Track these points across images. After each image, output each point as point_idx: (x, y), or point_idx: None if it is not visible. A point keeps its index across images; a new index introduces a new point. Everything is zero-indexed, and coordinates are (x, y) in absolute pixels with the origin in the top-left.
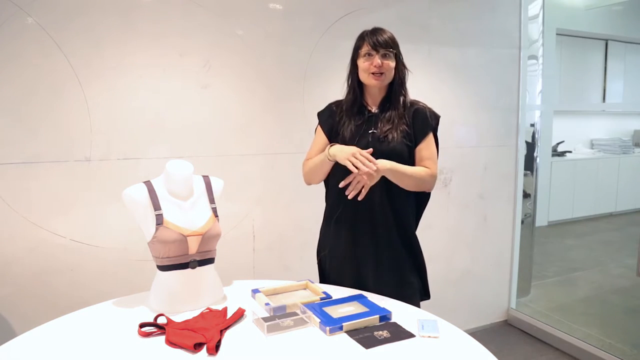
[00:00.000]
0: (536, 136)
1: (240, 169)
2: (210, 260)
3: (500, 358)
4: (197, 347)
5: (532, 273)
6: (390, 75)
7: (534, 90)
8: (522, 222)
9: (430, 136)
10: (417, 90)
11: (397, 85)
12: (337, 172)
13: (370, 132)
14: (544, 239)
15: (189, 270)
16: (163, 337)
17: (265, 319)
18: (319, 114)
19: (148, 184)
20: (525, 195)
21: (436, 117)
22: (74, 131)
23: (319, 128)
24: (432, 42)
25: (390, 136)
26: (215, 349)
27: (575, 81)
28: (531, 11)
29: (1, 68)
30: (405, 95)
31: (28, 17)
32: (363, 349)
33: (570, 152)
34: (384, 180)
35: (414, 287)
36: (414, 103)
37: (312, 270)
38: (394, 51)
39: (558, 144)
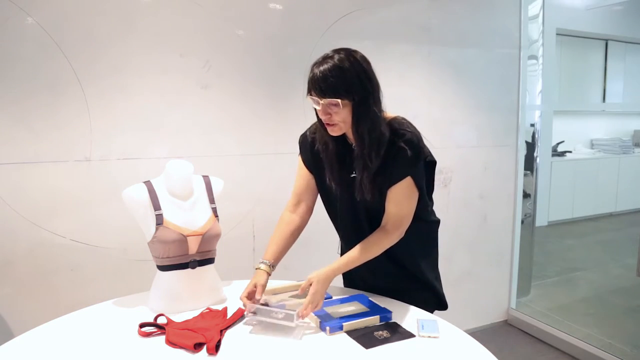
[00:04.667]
0: (536, 136)
1: (240, 169)
2: (210, 260)
3: (500, 358)
4: (197, 347)
5: (532, 273)
6: (348, 123)
7: (534, 90)
8: (522, 222)
9: (405, 183)
10: (418, 90)
11: (356, 131)
12: (334, 217)
13: (352, 176)
14: (544, 239)
15: (189, 270)
16: (163, 337)
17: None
18: (299, 142)
19: (148, 184)
20: (525, 195)
21: (419, 158)
22: (74, 131)
23: (299, 160)
24: (432, 42)
25: (366, 190)
26: (215, 349)
27: (575, 81)
28: (531, 11)
29: (1, 68)
30: (372, 137)
31: (28, 17)
32: (363, 349)
33: (570, 152)
34: (375, 227)
35: (419, 302)
36: (396, 137)
37: (312, 270)
38: (339, 98)
39: (558, 144)
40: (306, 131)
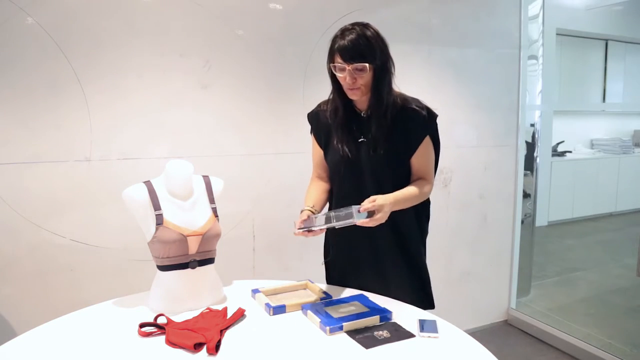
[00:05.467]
0: (536, 136)
1: (240, 169)
2: (210, 260)
3: (500, 358)
4: (197, 347)
5: (532, 273)
6: (367, 87)
7: (534, 90)
8: (522, 222)
9: (426, 142)
10: (418, 89)
11: (376, 92)
12: (339, 186)
13: (360, 140)
14: (544, 239)
15: (189, 270)
16: (163, 337)
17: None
18: (309, 118)
19: (148, 184)
20: (525, 195)
21: (432, 118)
22: (74, 131)
23: (312, 137)
24: (432, 42)
25: (380, 145)
26: (215, 349)
27: (575, 81)
28: (531, 11)
29: (1, 68)
30: (389, 99)
31: (28, 17)
32: (363, 349)
33: (570, 152)
34: (379, 190)
35: (414, 300)
36: (406, 103)
37: (312, 270)
38: (367, 63)
39: (558, 144)
40: (318, 106)
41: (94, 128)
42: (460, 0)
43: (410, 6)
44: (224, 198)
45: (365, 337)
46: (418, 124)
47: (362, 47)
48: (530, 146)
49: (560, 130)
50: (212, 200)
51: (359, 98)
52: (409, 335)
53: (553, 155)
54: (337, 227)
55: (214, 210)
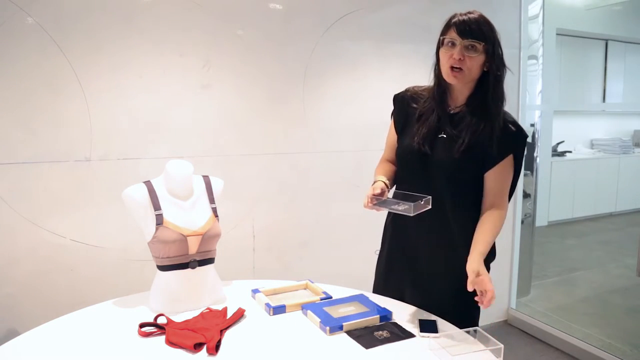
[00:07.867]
0: (536, 136)
1: (240, 169)
2: (210, 260)
3: (501, 358)
4: (197, 347)
5: (532, 273)
6: (473, 74)
7: (534, 90)
8: (522, 222)
9: (508, 161)
10: None
11: (485, 85)
12: (405, 177)
13: (439, 135)
14: (544, 239)
15: (189, 270)
16: (163, 337)
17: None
18: (394, 100)
19: (148, 184)
20: (525, 195)
21: (523, 138)
22: (74, 131)
23: (391, 120)
24: (432, 42)
25: (458, 145)
26: (215, 349)
27: (575, 81)
28: (531, 11)
29: (1, 68)
30: (495, 100)
31: (28, 17)
32: (363, 349)
33: (570, 152)
34: (436, 191)
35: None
36: (503, 115)
37: (312, 270)
38: (484, 44)
39: (558, 144)
40: (404, 91)
41: (94, 128)
42: (460, 1)
43: (410, 6)
44: (224, 198)
45: (365, 337)
46: (505, 138)
47: (483, 26)
48: (530, 146)
49: (560, 130)
50: (212, 200)
51: (457, 83)
52: (409, 335)
53: (553, 155)
54: (412, 214)
55: (214, 210)
